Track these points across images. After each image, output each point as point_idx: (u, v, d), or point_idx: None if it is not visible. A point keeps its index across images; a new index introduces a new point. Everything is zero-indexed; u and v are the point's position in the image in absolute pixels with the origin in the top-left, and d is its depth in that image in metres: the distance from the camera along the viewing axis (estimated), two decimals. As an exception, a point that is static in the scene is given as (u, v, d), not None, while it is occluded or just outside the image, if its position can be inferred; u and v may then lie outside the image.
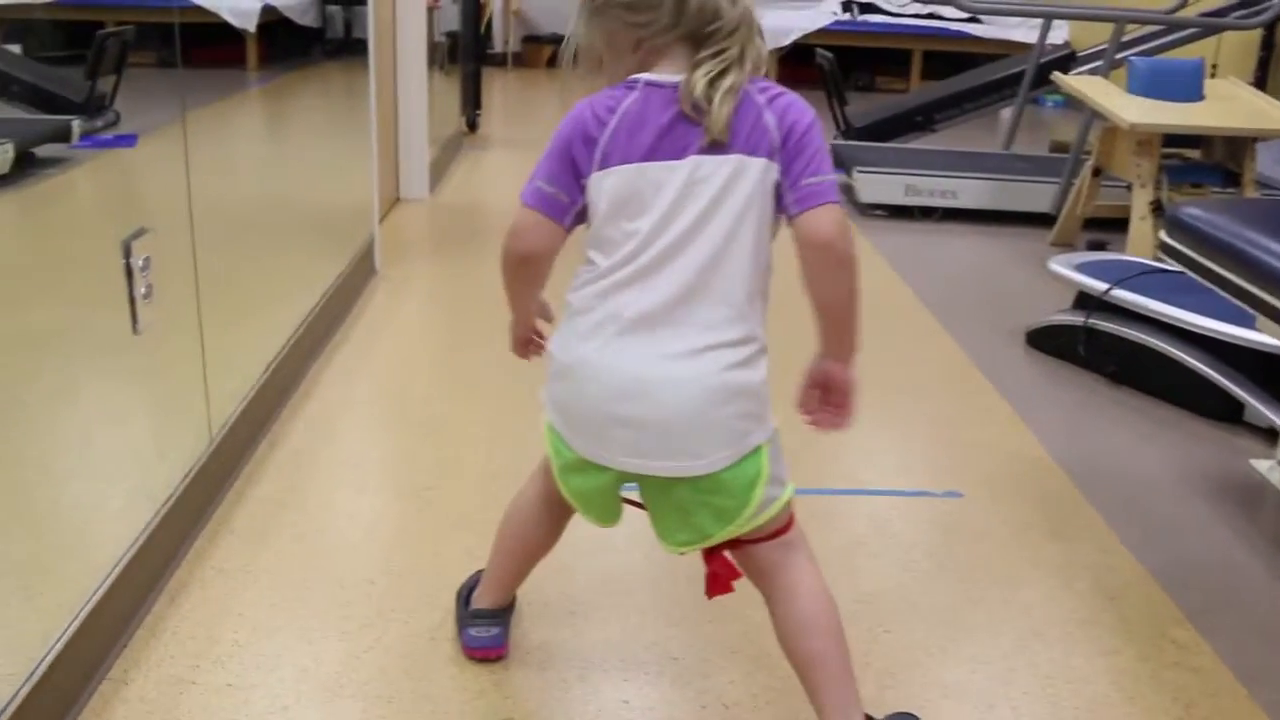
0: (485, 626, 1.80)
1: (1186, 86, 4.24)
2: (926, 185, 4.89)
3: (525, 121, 7.46)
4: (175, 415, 2.21)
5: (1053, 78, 4.69)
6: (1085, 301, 3.22)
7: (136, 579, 1.88)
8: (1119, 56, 4.87)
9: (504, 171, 5.85)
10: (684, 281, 1.40)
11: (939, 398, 3.00)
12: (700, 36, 1.41)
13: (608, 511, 1.58)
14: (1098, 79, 4.53)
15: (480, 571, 1.92)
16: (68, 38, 3.10)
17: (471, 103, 6.54)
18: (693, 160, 1.39)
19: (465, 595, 1.87)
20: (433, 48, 5.28)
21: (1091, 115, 4.74)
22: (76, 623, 1.67)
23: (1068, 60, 5.86)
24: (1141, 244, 4.04)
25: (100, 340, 1.97)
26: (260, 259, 2.95)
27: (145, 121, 2.74)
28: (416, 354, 3.13)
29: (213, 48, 4.50)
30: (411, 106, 4.76)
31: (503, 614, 1.83)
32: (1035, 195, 4.92)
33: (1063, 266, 3.33)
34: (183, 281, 2.18)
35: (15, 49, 3.04)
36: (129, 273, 1.78)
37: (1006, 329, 3.53)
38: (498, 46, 10.01)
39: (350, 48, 4.55)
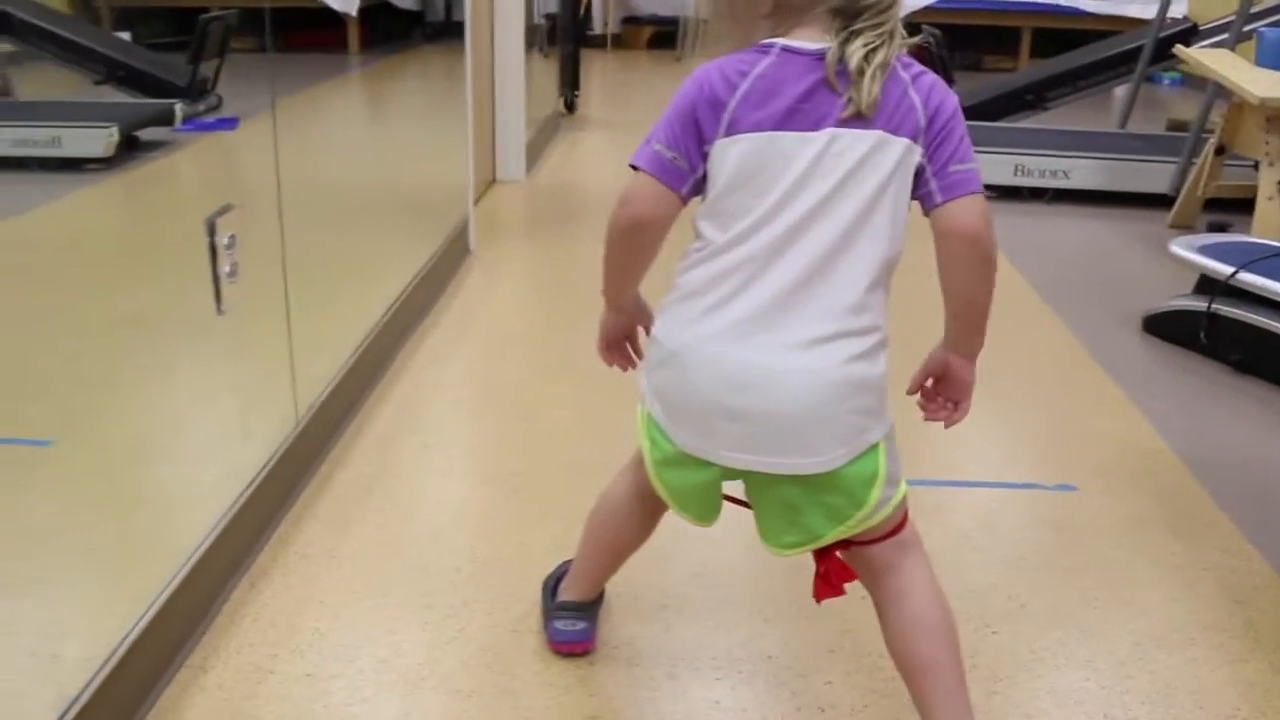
0: (572, 620, 1.74)
1: (1320, 59, 4.01)
2: (1037, 165, 4.71)
3: (623, 103, 7.39)
4: (262, 396, 2.19)
5: (1175, 51, 4.47)
6: (1209, 286, 3.04)
7: (218, 563, 1.86)
8: (1246, 29, 4.62)
9: (601, 153, 5.79)
10: (809, 264, 1.31)
11: (1050, 385, 2.85)
12: (854, 9, 1.32)
13: (706, 509, 1.49)
14: (1223, 52, 4.30)
15: (567, 561, 1.85)
16: (176, 24, 3.12)
17: (569, 84, 6.49)
18: (830, 132, 1.30)
19: (552, 587, 1.80)
20: (531, 29, 5.24)
21: (1215, 90, 4.52)
22: (156, 607, 1.64)
23: (1189, 34, 5.60)
24: (1269, 225, 3.83)
25: (189, 320, 1.95)
26: (354, 240, 2.93)
27: (248, 105, 2.74)
28: (509, 337, 3.08)
29: (316, 32, 4.52)
30: (508, 88, 4.72)
31: (590, 607, 1.76)
32: (1152, 175, 4.70)
33: (1184, 249, 3.15)
34: (273, 262, 2.15)
35: (125, 35, 3.07)
36: (213, 251, 1.75)
37: (1122, 314, 3.36)
38: (597, 28, 9.95)
39: (450, 31, 4.54)
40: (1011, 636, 1.82)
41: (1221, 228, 4.33)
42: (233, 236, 1.80)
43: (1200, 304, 3.01)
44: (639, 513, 1.63)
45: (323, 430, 2.34)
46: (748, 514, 1.48)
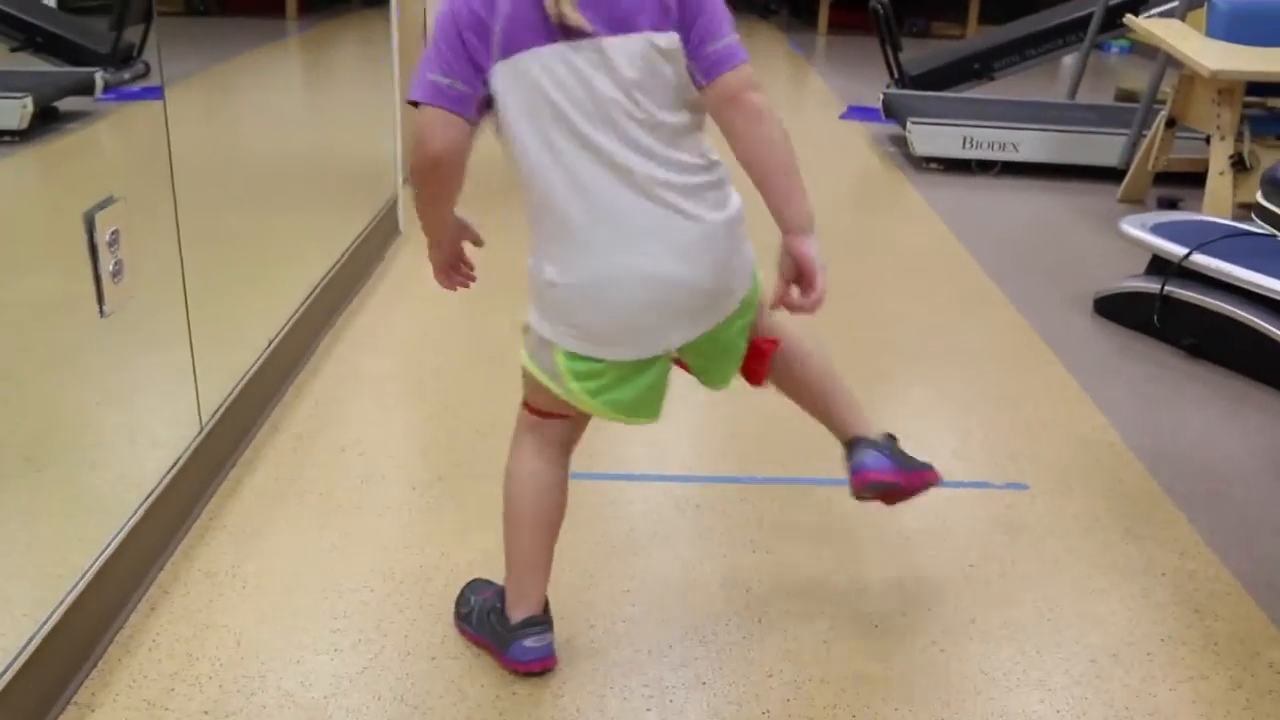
0: (539, 635, 1.61)
1: (1271, 29, 3.93)
2: (985, 137, 4.60)
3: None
4: (161, 396, 2.03)
5: (1125, 21, 4.38)
6: (1162, 267, 2.96)
7: (113, 585, 1.71)
8: (1196, -3, 4.53)
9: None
10: (650, 164, 1.38)
11: (998, 372, 2.76)
12: None
13: (655, 405, 1.55)
14: (1173, 22, 4.21)
15: (475, 583, 1.76)
16: (104, -14, 2.92)
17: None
18: (596, 42, 1.34)
19: (499, 612, 1.65)
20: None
21: (1165, 62, 4.43)
22: (39, 636, 1.50)
23: (1137, 2, 5.51)
24: (1219, 201, 3.75)
25: (86, 310, 1.78)
26: (276, 219, 2.76)
27: (176, 71, 2.56)
28: (437, 323, 2.93)
29: (253, -6, 4.28)
30: (441, 56, 4.54)
31: (549, 616, 1.64)
32: (1102, 148, 4.62)
33: (1136, 228, 3.06)
34: (171, 249, 1.99)
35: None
36: (93, 249, 1.59)
37: (1072, 295, 3.27)
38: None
39: (390, -6, 4.35)
40: (961, 656, 1.71)
41: (1172, 203, 4.26)
42: (116, 232, 1.64)
43: (1153, 286, 2.93)
44: (554, 475, 1.62)
45: (232, 432, 2.19)
46: (674, 521, 1.38)
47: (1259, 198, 2.12)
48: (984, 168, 4.64)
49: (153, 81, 3.02)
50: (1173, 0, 5.34)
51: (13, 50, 2.78)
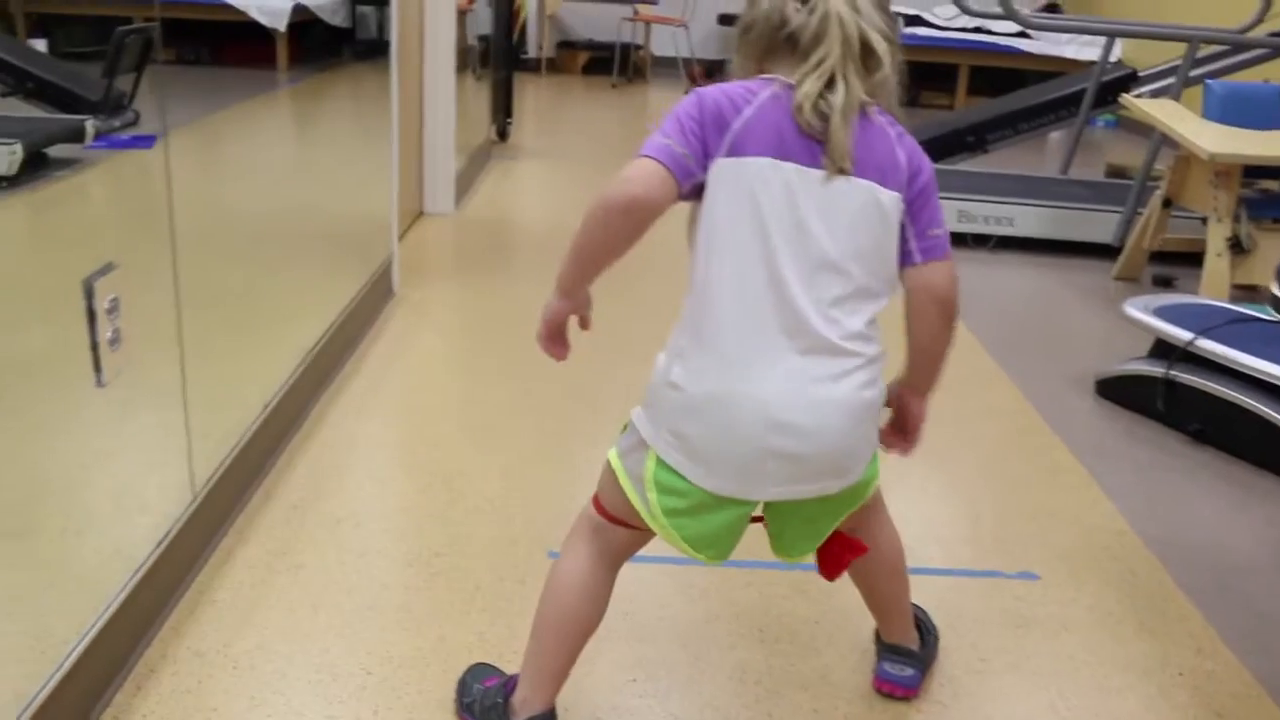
0: None
1: (1266, 113, 3.95)
2: (981, 211, 4.61)
3: (559, 130, 7.22)
4: (152, 464, 1.97)
5: (1123, 101, 4.40)
6: (1165, 350, 2.94)
7: (99, 663, 1.64)
8: (1192, 74, 4.57)
9: (536, 183, 5.60)
10: (829, 303, 1.36)
11: (1003, 455, 2.72)
12: (796, 45, 1.38)
13: (727, 547, 1.49)
14: (1169, 102, 4.24)
15: (479, 667, 1.70)
16: (98, 33, 2.89)
17: (503, 110, 6.30)
18: (827, 175, 1.34)
19: (502, 703, 1.58)
20: (463, 52, 5.04)
21: (1160, 141, 4.46)
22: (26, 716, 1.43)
23: (1129, 80, 5.57)
24: (1217, 283, 3.75)
25: (74, 373, 1.72)
26: (268, 279, 2.71)
27: (169, 120, 2.52)
28: (433, 391, 2.88)
29: (245, 46, 4.28)
30: (438, 113, 4.52)
31: (554, 717, 1.58)
32: (1096, 224, 4.63)
33: (1140, 311, 3.04)
34: (168, 310, 1.94)
35: (40, 44, 2.84)
36: (91, 317, 1.53)
37: (1073, 375, 3.25)
38: (531, 52, 9.78)
39: (382, 49, 4.35)
40: (979, 756, 1.66)
41: (1167, 281, 4.27)
42: (115, 300, 1.59)
43: (1157, 370, 2.90)
44: (602, 585, 1.56)
45: (225, 500, 2.13)
46: (678, 606, 1.32)
47: (1274, 288, 2.10)
48: (979, 241, 4.64)
49: (143, 130, 2.98)
50: (1164, 79, 5.42)
51: (2, 96, 2.74)
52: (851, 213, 1.35)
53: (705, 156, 1.35)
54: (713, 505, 1.42)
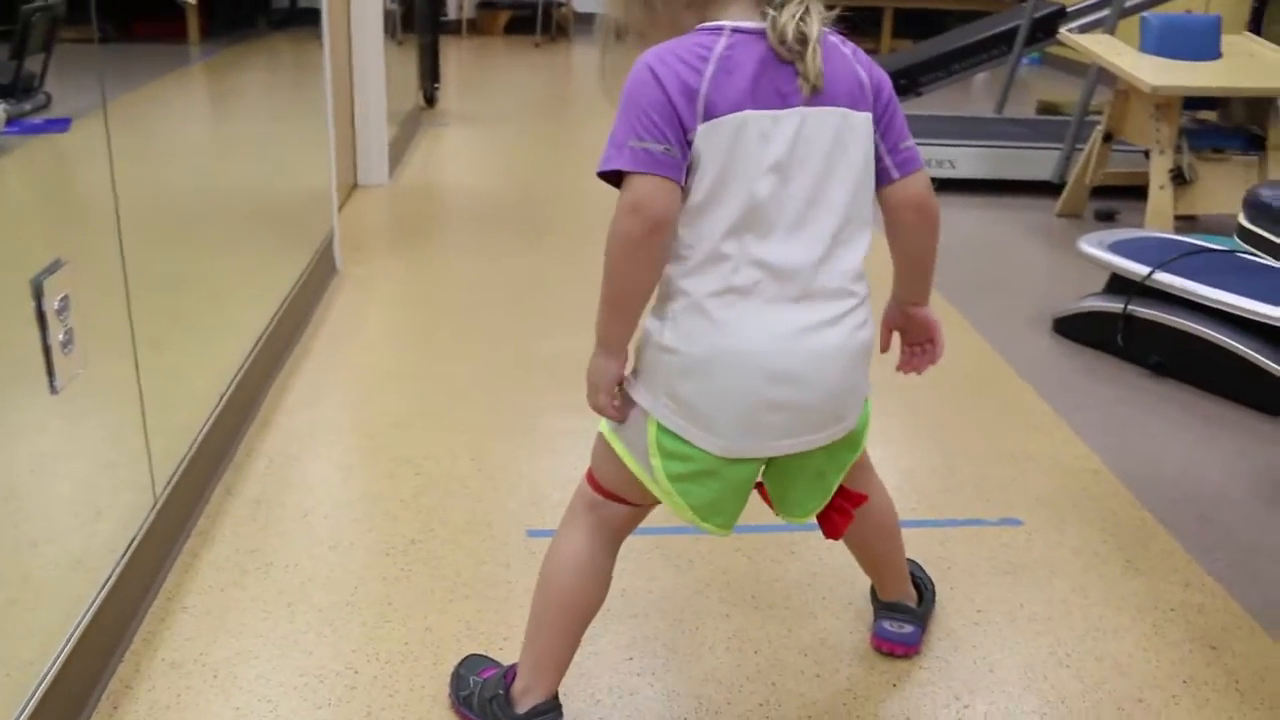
0: None
1: (1203, 44, 3.96)
2: (922, 155, 4.58)
3: (485, 94, 7.08)
4: (113, 468, 1.88)
5: (1061, 38, 4.40)
6: (1122, 286, 2.94)
7: (70, 687, 1.56)
8: (1127, 5, 4.57)
9: (467, 149, 5.49)
10: (819, 248, 1.33)
11: (973, 400, 2.70)
12: None
13: (734, 513, 1.46)
14: (1106, 37, 4.23)
15: (473, 659, 1.65)
16: (4, 13, 2.75)
17: (429, 75, 6.16)
18: (799, 111, 1.29)
19: (502, 698, 1.53)
20: (385, 16, 4.91)
21: (1096, 76, 4.46)
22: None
23: (1059, 16, 5.56)
24: (1161, 215, 3.77)
25: (14, 379, 1.63)
26: (207, 264, 2.60)
27: (81, 103, 2.40)
28: (387, 369, 2.80)
29: (153, 21, 4.11)
30: (369, 81, 4.39)
31: (559, 703, 1.53)
32: (1036, 163, 4.64)
33: (1095, 247, 3.04)
34: (116, 303, 1.84)
35: None
36: (41, 319, 1.44)
37: (1029, 315, 3.25)
38: (451, 13, 9.60)
39: (296, 18, 4.21)
40: (985, 707, 1.64)
41: (1110, 215, 4.28)
42: (65, 298, 1.49)
43: (1115, 305, 2.90)
44: (604, 558, 1.51)
45: (186, 500, 2.04)
46: (670, 578, 1.26)
47: (1241, 219, 2.09)
48: (922, 185, 4.61)
49: (56, 113, 2.85)
50: (1092, 14, 5.42)
51: (-96, 84, 2.60)
52: (828, 144, 1.30)
53: (685, 133, 1.27)
54: (718, 469, 1.38)
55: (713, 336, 1.32)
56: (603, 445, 1.44)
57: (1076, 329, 3.06)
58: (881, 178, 1.38)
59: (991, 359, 2.94)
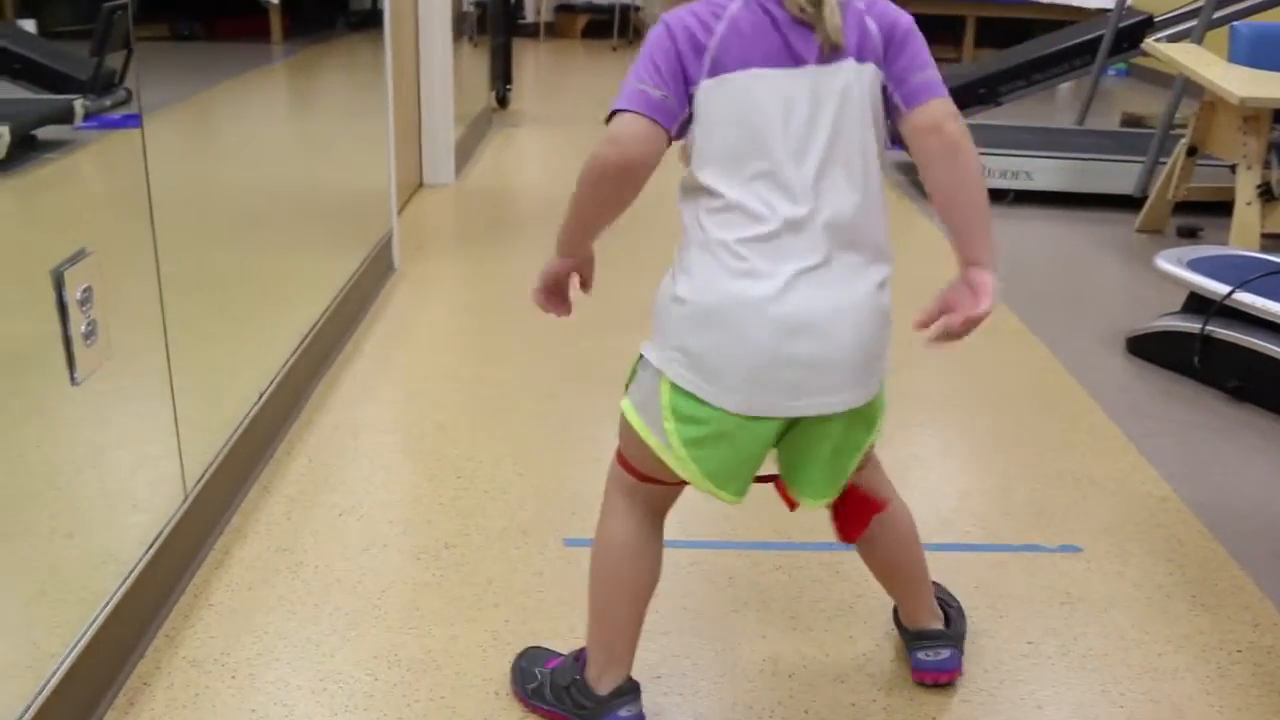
0: (631, 704, 1.51)
1: (1296, 54, 3.79)
2: (998, 165, 4.46)
3: (559, 95, 7.07)
4: (141, 462, 1.85)
5: (1146, 47, 4.25)
6: (1201, 305, 2.81)
7: (88, 676, 1.53)
8: (1215, 15, 4.41)
9: (537, 151, 5.46)
10: (832, 202, 1.31)
11: (1035, 418, 2.60)
12: None
13: (745, 481, 1.41)
14: (1194, 47, 4.08)
15: (533, 651, 1.64)
16: (87, 11, 2.78)
17: (501, 77, 6.15)
18: (812, 70, 1.30)
19: (574, 686, 1.53)
20: (460, 18, 4.90)
21: (1182, 87, 4.31)
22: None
23: (1145, 26, 5.40)
24: (1247, 232, 3.61)
25: (57, 363, 1.61)
26: (264, 259, 2.59)
27: (160, 98, 2.41)
28: (437, 371, 2.76)
29: (237, 20, 4.15)
30: (435, 81, 4.38)
31: (638, 684, 1.53)
32: (1117, 176, 4.49)
33: (1173, 264, 2.91)
34: (153, 296, 1.82)
35: (29, 24, 2.72)
36: (62, 310, 1.42)
37: (1102, 332, 3.12)
38: (529, 16, 9.61)
39: (375, 19, 4.23)
40: (1032, 750, 1.55)
41: (1193, 232, 4.13)
42: (88, 289, 1.47)
43: (1193, 325, 2.77)
44: (650, 539, 1.50)
45: (221, 494, 2.02)
46: (705, 594, 1.19)
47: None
48: (997, 197, 4.48)
49: (135, 109, 2.86)
50: (1181, 24, 5.25)
51: (-10, 78, 2.63)
52: (839, 99, 1.31)
53: (687, 85, 1.31)
54: (732, 431, 1.34)
55: (724, 284, 1.30)
56: (624, 423, 1.43)
57: (1151, 349, 2.93)
58: (893, 116, 1.35)
59: (1060, 377, 2.83)
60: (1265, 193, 3.62)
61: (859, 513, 1.51)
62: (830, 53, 1.30)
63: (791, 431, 1.39)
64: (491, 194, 4.55)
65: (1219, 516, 2.18)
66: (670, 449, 1.36)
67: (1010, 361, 2.92)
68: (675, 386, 1.34)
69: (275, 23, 4.52)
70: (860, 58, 1.31)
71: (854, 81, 1.31)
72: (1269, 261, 2.87)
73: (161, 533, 1.78)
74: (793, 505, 1.48)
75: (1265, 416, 2.64)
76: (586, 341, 2.88)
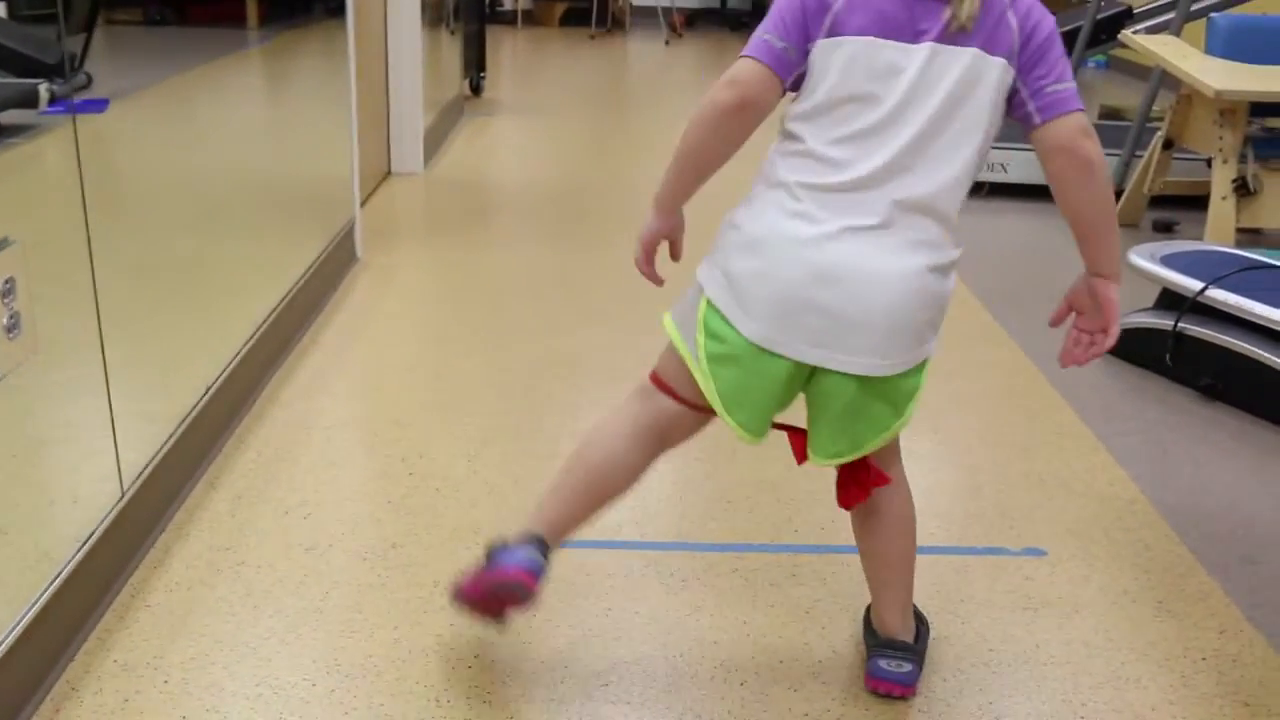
0: (528, 549, 1.51)
1: (1273, 47, 3.76)
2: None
3: (535, 85, 6.99)
4: (76, 455, 1.79)
5: (1123, 38, 4.20)
6: (1173, 301, 2.77)
7: (9, 683, 1.47)
8: (1194, 8, 4.36)
9: (510, 139, 5.39)
10: (912, 182, 1.33)
11: (1004, 417, 2.55)
12: None
13: (756, 416, 1.44)
14: (1171, 39, 4.04)
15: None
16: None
17: (475, 64, 6.07)
18: (930, 47, 1.32)
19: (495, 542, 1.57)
20: (437, 4, 4.83)
21: (1159, 80, 4.27)
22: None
23: (1123, 17, 5.36)
24: (1222, 227, 3.58)
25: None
26: (220, 247, 2.52)
27: (129, 83, 2.35)
28: (397, 363, 2.70)
29: (212, 5, 4.07)
30: (404, 67, 4.31)
31: (546, 546, 1.53)
32: (1093, 169, 4.43)
33: (1146, 260, 2.87)
34: (108, 283, 1.76)
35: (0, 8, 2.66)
36: (-20, 301, 1.35)
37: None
38: (507, 4, 9.52)
39: (353, 4, 4.15)
40: (989, 762, 1.50)
41: (1168, 226, 4.10)
42: (11, 280, 1.40)
43: (1165, 322, 2.74)
44: (639, 450, 1.54)
45: (163, 489, 1.96)
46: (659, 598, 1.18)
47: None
48: (972, 189, 4.45)
49: (97, 94, 2.79)
50: (1160, 15, 5.21)
51: (-46, 62, 2.56)
52: (953, 84, 1.32)
53: (807, 41, 1.36)
54: (748, 357, 1.39)
55: (775, 219, 1.36)
56: (667, 340, 1.50)
57: (1122, 346, 2.85)
58: (1025, 125, 1.38)
59: (1028, 373, 2.78)
60: (1241, 187, 3.58)
61: (860, 480, 1.51)
62: (955, 33, 1.31)
63: (812, 381, 1.42)
64: (461, 184, 4.48)
65: (1187, 519, 2.13)
66: (696, 360, 1.43)
67: (980, 358, 2.87)
68: (710, 304, 1.41)
69: (251, 8, 4.44)
70: (990, 49, 1.33)
71: (976, 70, 1.32)
72: (1244, 258, 2.83)
73: (95, 530, 1.72)
74: (801, 458, 1.52)
75: (1237, 416, 2.60)
76: (553, 337, 2.82)
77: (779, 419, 1.50)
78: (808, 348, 1.37)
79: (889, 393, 1.42)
